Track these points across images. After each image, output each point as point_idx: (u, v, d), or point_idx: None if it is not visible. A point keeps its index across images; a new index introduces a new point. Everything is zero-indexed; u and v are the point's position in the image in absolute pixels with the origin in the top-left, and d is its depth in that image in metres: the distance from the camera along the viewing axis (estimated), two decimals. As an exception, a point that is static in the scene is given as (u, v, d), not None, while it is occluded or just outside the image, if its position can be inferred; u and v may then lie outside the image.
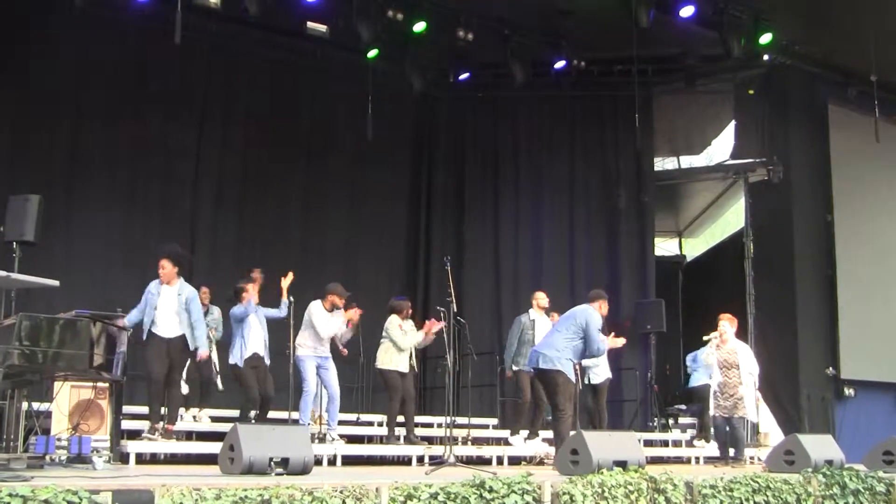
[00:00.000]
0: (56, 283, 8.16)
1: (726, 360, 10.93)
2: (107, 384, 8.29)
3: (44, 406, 7.86)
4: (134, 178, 13.22)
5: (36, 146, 12.26)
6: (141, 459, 8.72)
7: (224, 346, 10.96)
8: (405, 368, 10.76)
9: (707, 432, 13.33)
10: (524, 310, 11.84)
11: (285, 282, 10.18)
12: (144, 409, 9.45)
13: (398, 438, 10.78)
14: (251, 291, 10.07)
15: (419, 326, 11.04)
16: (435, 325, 10.48)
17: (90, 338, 6.85)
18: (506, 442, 11.60)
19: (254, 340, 10.04)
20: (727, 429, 10.95)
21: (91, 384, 8.34)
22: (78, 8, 11.67)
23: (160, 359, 9.14)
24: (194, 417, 11.02)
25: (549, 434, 11.42)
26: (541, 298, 11.71)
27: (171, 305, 9.30)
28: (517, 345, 11.44)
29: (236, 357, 10.00)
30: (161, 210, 13.37)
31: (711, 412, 11.22)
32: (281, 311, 10.19)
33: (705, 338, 11.35)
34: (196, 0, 12.16)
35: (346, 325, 10.62)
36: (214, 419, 10.96)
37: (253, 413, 10.03)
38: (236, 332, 10.10)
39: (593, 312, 9.28)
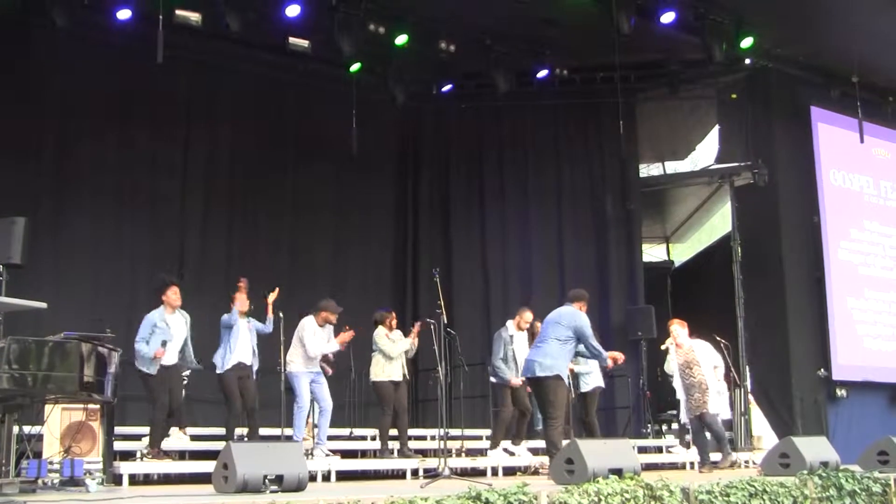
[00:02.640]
0: (44, 305, 8.11)
1: (686, 361, 10.86)
2: (98, 406, 8.24)
3: (35, 429, 7.81)
4: (119, 198, 13.15)
5: (20, 168, 12.19)
6: (134, 480, 8.67)
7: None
8: (398, 377, 10.77)
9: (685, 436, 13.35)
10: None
11: (271, 297, 10.13)
12: (134, 430, 9.43)
13: (392, 452, 10.76)
14: (238, 300, 10.04)
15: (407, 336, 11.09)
16: (418, 327, 10.60)
17: (80, 359, 6.80)
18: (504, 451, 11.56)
19: (240, 349, 9.97)
20: (703, 430, 10.87)
21: (82, 406, 8.29)
22: (60, 28, 11.62)
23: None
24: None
25: (535, 443, 11.44)
26: (525, 319, 11.57)
27: (181, 332, 9.69)
28: (506, 358, 11.34)
29: (219, 365, 9.94)
30: (148, 229, 13.29)
31: (683, 418, 11.15)
32: (267, 327, 10.16)
33: (663, 347, 11.31)
34: (177, 18, 12.16)
35: (337, 346, 10.57)
36: (196, 437, 10.87)
37: (239, 431, 9.99)
38: (223, 339, 10.05)
39: (580, 313, 9.31)
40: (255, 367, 10.17)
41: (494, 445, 11.27)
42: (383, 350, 10.71)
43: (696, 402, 10.68)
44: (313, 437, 10.51)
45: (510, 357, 11.24)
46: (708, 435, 10.91)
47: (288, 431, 10.04)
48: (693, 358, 10.81)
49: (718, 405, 11.01)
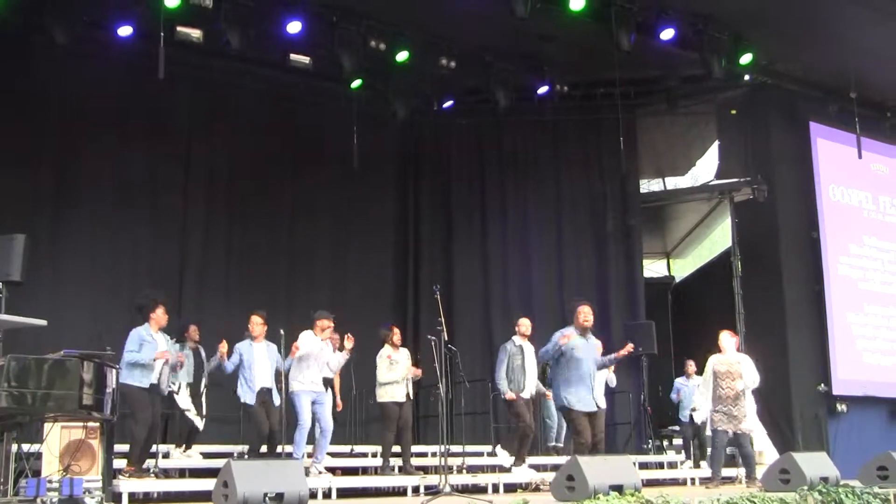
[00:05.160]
0: (43, 322, 8.11)
1: (728, 371, 10.74)
2: (97, 423, 8.22)
3: (34, 448, 7.79)
4: (120, 214, 13.17)
5: (20, 184, 12.22)
6: (134, 499, 8.66)
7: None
8: (402, 398, 10.77)
9: (697, 453, 13.32)
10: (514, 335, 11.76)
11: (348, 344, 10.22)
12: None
13: (392, 469, 10.74)
14: (252, 325, 10.05)
15: (413, 353, 11.12)
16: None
17: (80, 377, 6.79)
18: (501, 468, 11.50)
19: (259, 376, 9.95)
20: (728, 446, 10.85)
21: (81, 424, 8.27)
22: (61, 45, 11.65)
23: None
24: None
25: (537, 460, 11.43)
26: (524, 326, 11.55)
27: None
28: (508, 371, 11.30)
29: (243, 396, 9.96)
30: (147, 244, 13.33)
31: (711, 427, 11.03)
32: (285, 363, 10.13)
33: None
34: (178, 35, 12.20)
35: (331, 347, 10.53)
36: (206, 455, 10.89)
37: (263, 448, 9.97)
38: (241, 369, 10.04)
39: None
40: (276, 399, 10.09)
41: (520, 462, 11.14)
42: (378, 376, 10.81)
43: (735, 417, 10.64)
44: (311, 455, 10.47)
45: (516, 368, 11.20)
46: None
47: (289, 449, 10.00)
48: (738, 370, 10.75)
49: (751, 422, 10.99)
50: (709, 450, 11.80)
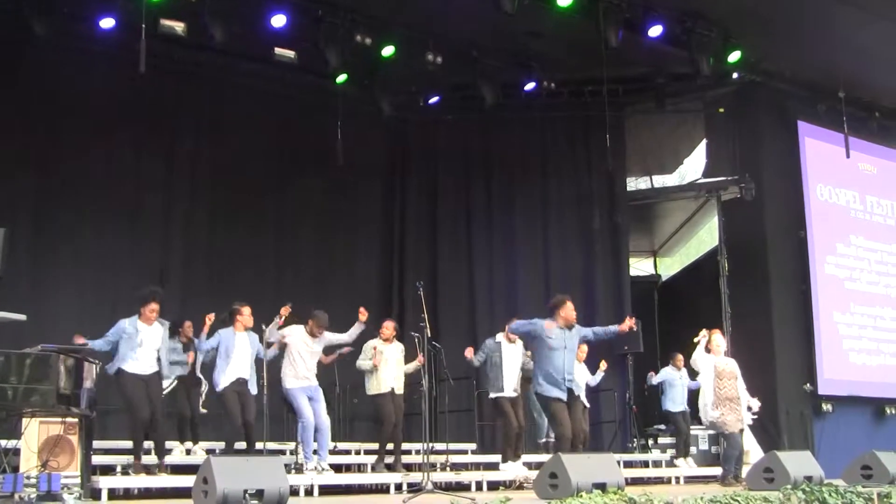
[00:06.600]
0: (23, 317, 8.05)
1: (732, 371, 10.87)
2: (76, 419, 8.14)
3: (11, 443, 7.70)
4: (102, 210, 13.03)
5: (1, 178, 12.09)
6: (113, 495, 8.57)
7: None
8: (387, 388, 10.75)
9: (687, 449, 13.33)
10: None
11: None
12: (114, 444, 9.33)
13: (385, 466, 10.70)
14: (243, 317, 9.95)
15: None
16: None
17: (59, 372, 6.73)
18: (485, 466, 11.46)
19: (237, 364, 9.80)
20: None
21: (60, 419, 8.19)
22: (41, 38, 11.53)
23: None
24: (189, 451, 10.90)
25: (526, 458, 11.40)
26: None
27: (155, 342, 9.41)
28: (487, 368, 11.29)
29: (217, 383, 9.83)
30: (130, 242, 13.18)
31: (723, 430, 10.99)
32: (267, 354, 10.03)
33: (696, 339, 11.21)
34: (162, 28, 12.08)
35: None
36: (208, 452, 10.80)
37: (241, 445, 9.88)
38: (219, 356, 9.92)
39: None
40: (254, 388, 9.97)
41: (506, 459, 11.14)
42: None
43: (723, 418, 10.67)
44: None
45: (494, 366, 11.15)
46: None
47: (271, 445, 9.92)
48: (736, 372, 10.87)
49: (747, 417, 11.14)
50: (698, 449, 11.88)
